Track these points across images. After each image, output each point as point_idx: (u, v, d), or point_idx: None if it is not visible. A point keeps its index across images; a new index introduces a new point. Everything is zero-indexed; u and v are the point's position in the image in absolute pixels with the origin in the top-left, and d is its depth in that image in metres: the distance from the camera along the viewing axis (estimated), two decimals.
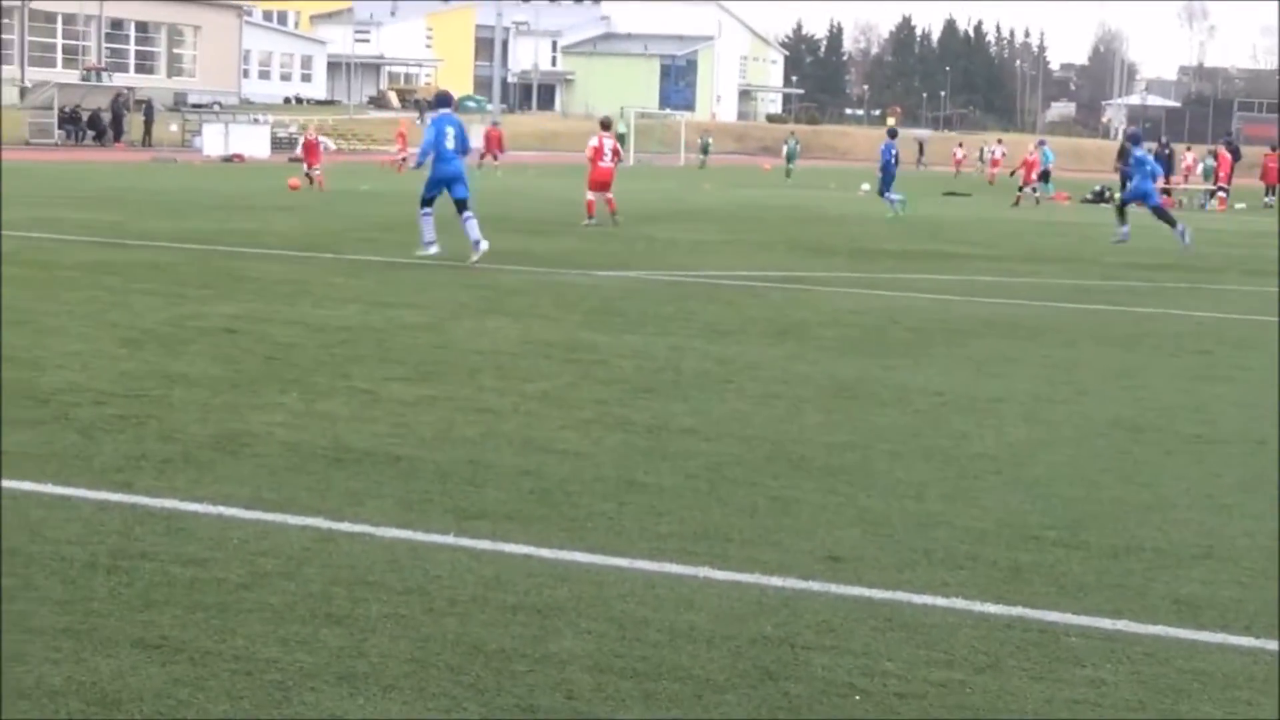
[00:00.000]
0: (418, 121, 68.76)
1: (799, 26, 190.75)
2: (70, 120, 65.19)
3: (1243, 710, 4.81)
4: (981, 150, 75.14)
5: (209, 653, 4.86)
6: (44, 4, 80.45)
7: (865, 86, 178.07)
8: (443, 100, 20.65)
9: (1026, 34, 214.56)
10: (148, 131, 66.01)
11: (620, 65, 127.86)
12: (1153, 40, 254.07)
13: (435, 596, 5.52)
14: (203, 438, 7.96)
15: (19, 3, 78.46)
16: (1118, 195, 35.91)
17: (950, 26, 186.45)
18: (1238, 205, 48.17)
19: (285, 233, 22.49)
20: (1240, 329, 15.35)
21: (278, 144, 62.71)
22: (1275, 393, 10.89)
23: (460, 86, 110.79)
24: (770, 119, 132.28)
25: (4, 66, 75.98)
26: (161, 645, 4.91)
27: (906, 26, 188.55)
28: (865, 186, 45.86)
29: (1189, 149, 60.37)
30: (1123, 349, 13.27)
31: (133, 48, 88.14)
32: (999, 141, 71.54)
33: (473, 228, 18.82)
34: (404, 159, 47.42)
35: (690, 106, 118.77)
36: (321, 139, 38.90)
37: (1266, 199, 50.32)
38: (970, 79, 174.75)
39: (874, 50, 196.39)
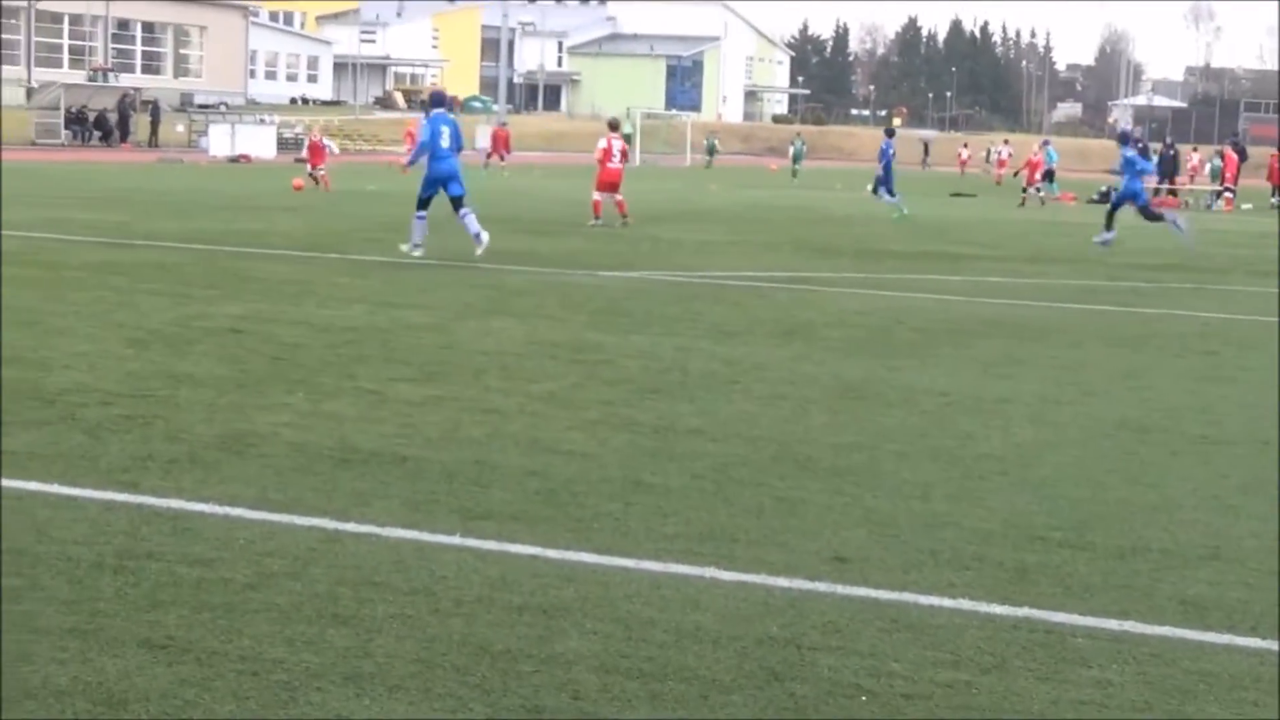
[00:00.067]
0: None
1: (805, 27, 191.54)
2: (76, 120, 65.20)
3: (1249, 711, 4.81)
4: (988, 151, 75.10)
5: (215, 653, 4.86)
6: (50, 4, 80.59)
7: (871, 87, 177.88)
8: (437, 100, 20.72)
9: (1032, 34, 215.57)
10: (154, 132, 66.02)
11: (626, 66, 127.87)
12: (1159, 41, 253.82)
13: (441, 597, 5.52)
14: (209, 438, 7.97)
15: (25, 3, 78.57)
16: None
17: (956, 27, 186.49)
18: (1244, 206, 48.11)
19: (291, 233, 22.50)
20: (1246, 330, 15.34)
21: (283, 144, 62.74)
22: None
23: (466, 87, 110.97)
24: (776, 119, 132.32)
25: (10, 67, 76.09)
26: (168, 645, 4.92)
27: (912, 27, 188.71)
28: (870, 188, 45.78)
29: (1195, 150, 60.27)
30: (1129, 350, 13.25)
31: (139, 48, 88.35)
32: (1005, 142, 71.46)
33: (471, 222, 18.92)
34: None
35: (696, 107, 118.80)
36: (326, 141, 38.86)
37: (1273, 200, 50.22)
38: (976, 80, 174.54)
39: (880, 51, 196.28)
